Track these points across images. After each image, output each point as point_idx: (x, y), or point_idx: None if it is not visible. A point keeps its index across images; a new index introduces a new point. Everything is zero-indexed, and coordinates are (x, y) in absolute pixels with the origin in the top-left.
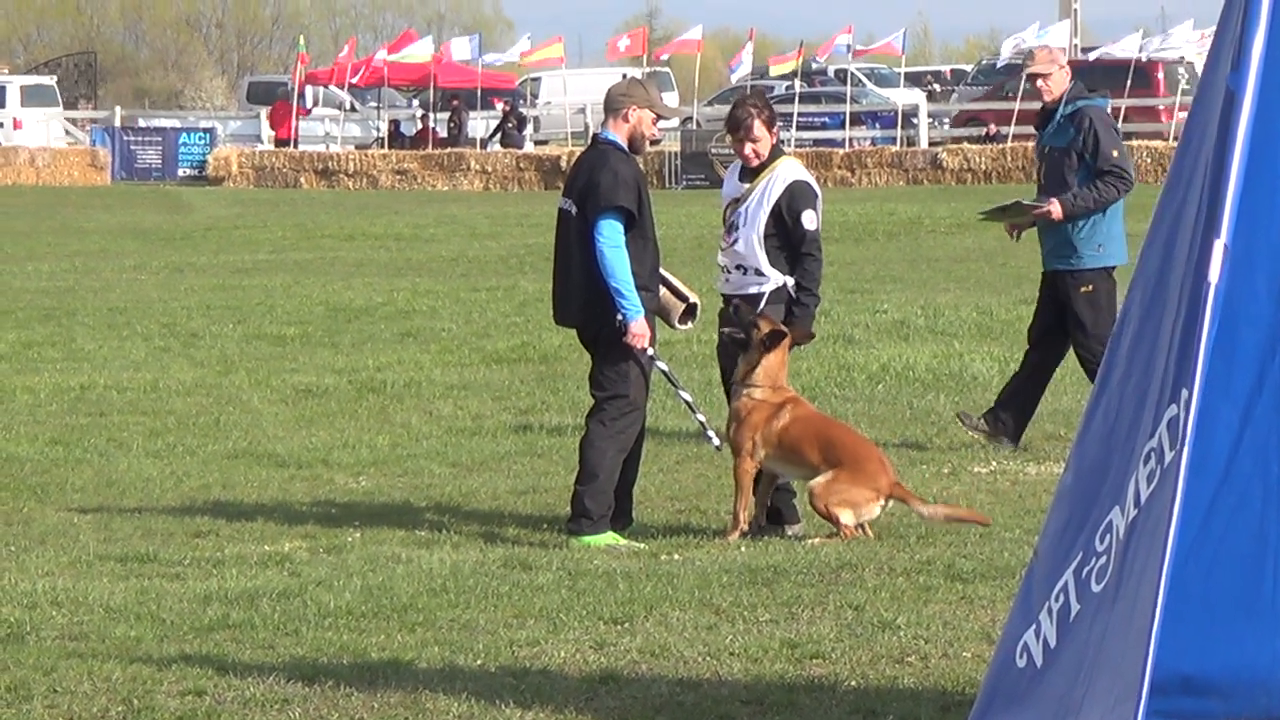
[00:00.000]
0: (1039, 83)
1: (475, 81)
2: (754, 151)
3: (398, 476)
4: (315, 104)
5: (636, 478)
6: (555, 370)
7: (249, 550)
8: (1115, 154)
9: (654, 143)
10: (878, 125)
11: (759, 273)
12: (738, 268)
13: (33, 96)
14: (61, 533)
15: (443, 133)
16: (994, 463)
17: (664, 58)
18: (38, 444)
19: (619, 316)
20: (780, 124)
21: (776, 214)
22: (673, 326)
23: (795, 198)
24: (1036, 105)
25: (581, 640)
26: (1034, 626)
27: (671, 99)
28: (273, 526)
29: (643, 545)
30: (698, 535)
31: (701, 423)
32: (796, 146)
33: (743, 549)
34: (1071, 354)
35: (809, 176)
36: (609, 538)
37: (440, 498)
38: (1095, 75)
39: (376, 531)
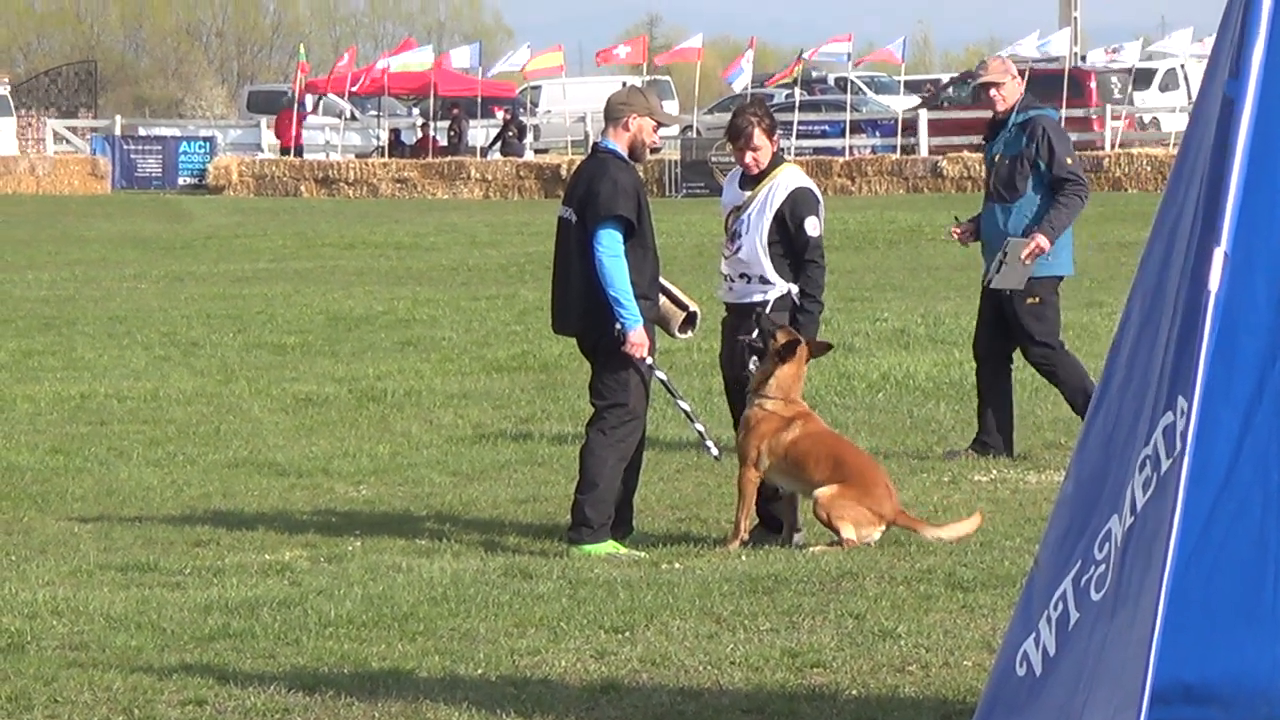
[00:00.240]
0: (992, 92)
1: (475, 90)
2: (754, 160)
3: (398, 485)
4: (315, 110)
5: (637, 486)
6: (555, 379)
7: (249, 559)
8: (1070, 161)
9: (654, 151)
10: (878, 134)
11: (763, 280)
12: (741, 276)
13: None
14: (62, 542)
15: (443, 141)
16: (994, 471)
17: (661, 65)
18: (38, 453)
19: (618, 325)
20: (780, 132)
21: (779, 221)
22: (672, 335)
23: (798, 204)
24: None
25: (582, 649)
26: (1034, 635)
27: (672, 107)
28: (273, 535)
29: (643, 554)
30: (698, 544)
31: (700, 432)
32: (796, 155)
33: (743, 558)
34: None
35: (811, 183)
36: (609, 546)
37: (441, 506)
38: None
39: (377, 540)
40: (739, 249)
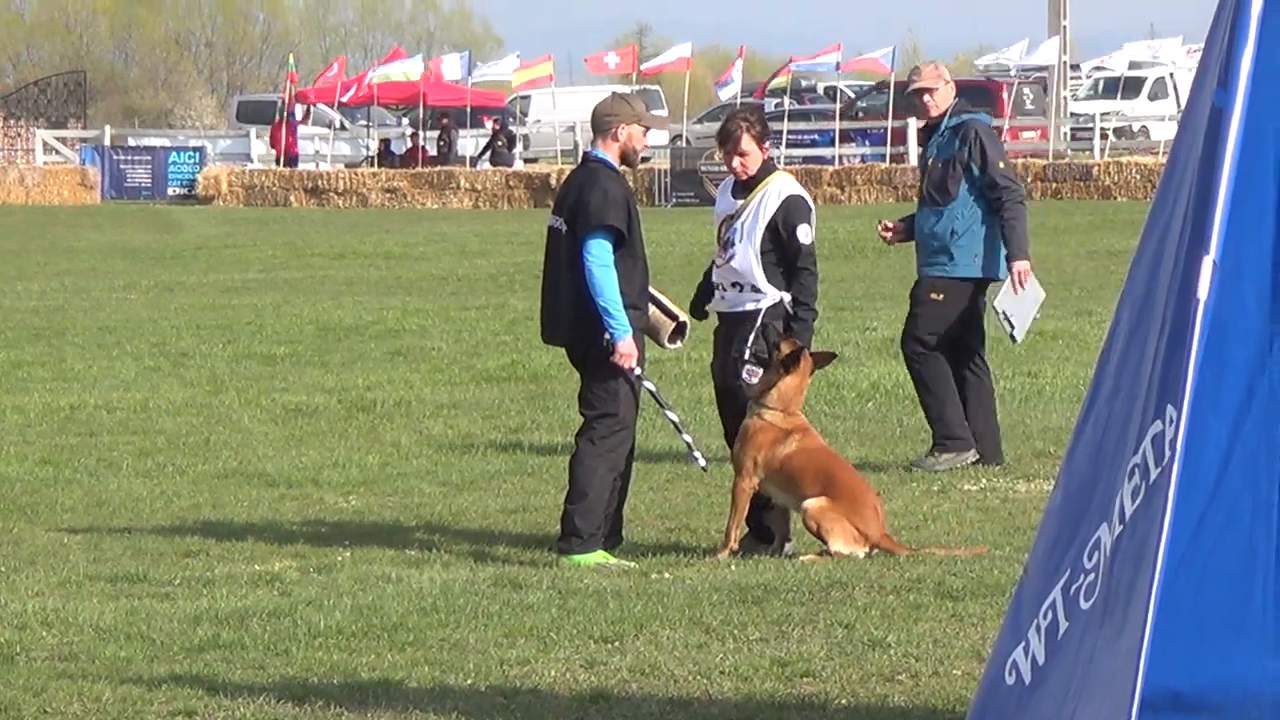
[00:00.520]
0: (925, 98)
1: (465, 100)
2: (742, 165)
3: (388, 495)
4: (306, 119)
5: (627, 496)
6: (545, 389)
7: (239, 570)
8: (1001, 165)
9: (644, 160)
10: (867, 142)
11: (755, 289)
12: (733, 285)
13: None
14: (51, 553)
15: (432, 151)
16: (983, 480)
17: (651, 75)
18: (27, 464)
19: (607, 335)
20: (769, 142)
21: (772, 229)
22: (662, 345)
23: (790, 211)
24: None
25: (572, 659)
26: (1023, 644)
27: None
28: (263, 546)
29: (633, 564)
30: (688, 554)
31: (688, 443)
32: (786, 164)
33: (733, 567)
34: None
35: (803, 191)
36: (599, 556)
37: (430, 517)
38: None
39: (367, 551)
40: (732, 257)
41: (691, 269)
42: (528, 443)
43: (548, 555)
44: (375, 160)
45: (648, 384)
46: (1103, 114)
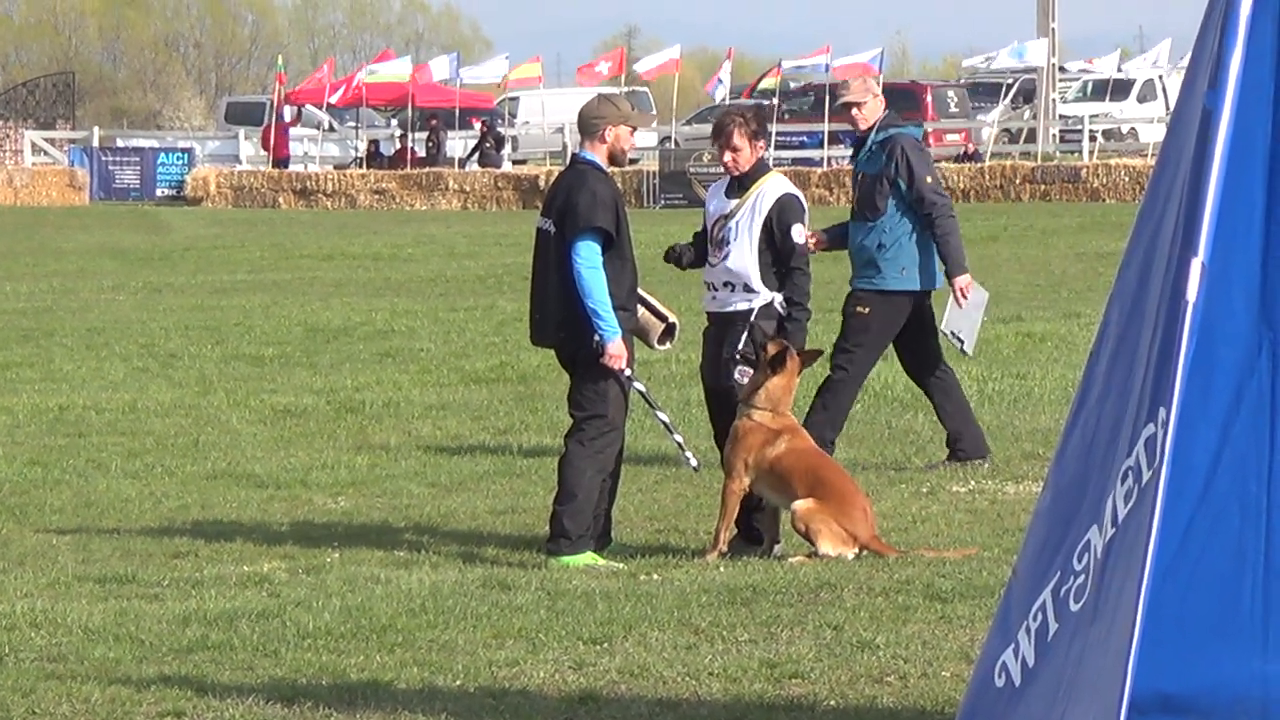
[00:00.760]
0: (853, 111)
1: (453, 101)
2: (733, 160)
3: (376, 497)
4: (296, 121)
5: (616, 497)
6: (534, 390)
7: (228, 571)
8: (929, 180)
9: (633, 162)
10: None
11: (748, 289)
12: (725, 284)
13: None
14: (40, 554)
15: (421, 152)
16: (972, 482)
17: (640, 78)
18: (15, 465)
19: (596, 337)
20: (764, 140)
21: (766, 228)
22: (651, 347)
23: (784, 211)
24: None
25: (560, 660)
26: (1012, 646)
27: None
28: (251, 547)
29: (621, 565)
30: (677, 555)
31: (679, 444)
32: (774, 165)
33: (721, 569)
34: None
35: (796, 191)
36: (588, 558)
37: (419, 518)
38: None
39: (355, 552)
40: (726, 256)
41: (679, 271)
42: (516, 444)
43: (536, 556)
44: (364, 161)
45: (637, 385)
46: (1091, 116)
